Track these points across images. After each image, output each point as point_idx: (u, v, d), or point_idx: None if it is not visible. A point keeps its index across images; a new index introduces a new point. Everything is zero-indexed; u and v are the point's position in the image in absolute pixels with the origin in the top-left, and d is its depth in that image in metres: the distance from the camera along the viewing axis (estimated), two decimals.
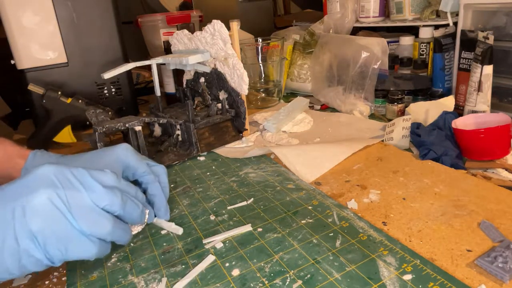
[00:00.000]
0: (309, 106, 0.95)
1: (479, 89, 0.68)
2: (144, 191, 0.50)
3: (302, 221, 0.48)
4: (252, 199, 0.55)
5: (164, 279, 0.41)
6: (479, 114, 0.67)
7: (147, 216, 0.45)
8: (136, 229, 0.45)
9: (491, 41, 0.67)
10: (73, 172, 0.37)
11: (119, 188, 0.40)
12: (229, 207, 0.54)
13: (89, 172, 0.38)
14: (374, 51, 0.85)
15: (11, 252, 0.33)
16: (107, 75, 0.70)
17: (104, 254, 0.39)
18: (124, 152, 0.49)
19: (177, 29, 0.85)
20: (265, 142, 0.77)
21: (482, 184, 0.53)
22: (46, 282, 0.43)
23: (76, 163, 0.50)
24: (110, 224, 0.37)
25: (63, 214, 0.35)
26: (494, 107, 0.72)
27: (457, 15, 0.80)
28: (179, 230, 0.49)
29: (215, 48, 0.74)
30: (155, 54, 1.07)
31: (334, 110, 0.92)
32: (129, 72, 0.94)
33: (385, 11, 1.05)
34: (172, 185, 0.62)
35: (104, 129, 0.66)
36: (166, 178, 0.52)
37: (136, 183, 0.51)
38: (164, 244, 0.47)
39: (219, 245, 0.45)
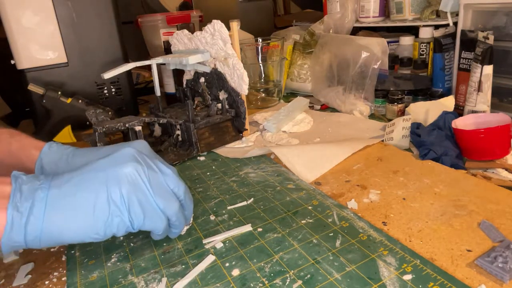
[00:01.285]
0: (309, 106, 0.95)
1: (479, 89, 0.68)
2: None
3: (302, 221, 0.48)
4: (252, 199, 0.55)
5: (164, 279, 0.41)
6: (479, 114, 0.66)
7: (191, 219, 0.50)
8: (184, 230, 0.49)
9: (491, 41, 0.67)
10: (149, 156, 0.43)
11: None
12: (229, 207, 0.54)
13: (159, 159, 0.45)
14: (374, 51, 0.85)
15: (102, 211, 0.38)
16: (107, 75, 0.70)
17: (162, 237, 0.44)
18: (140, 149, 0.49)
19: (177, 29, 0.85)
20: (265, 142, 0.77)
21: (482, 184, 0.53)
22: (46, 282, 0.43)
23: (92, 157, 0.49)
24: (177, 205, 0.43)
25: (145, 186, 0.40)
26: (494, 107, 0.72)
27: (457, 15, 0.80)
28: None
29: (215, 48, 0.74)
30: (155, 54, 1.07)
31: (334, 110, 0.92)
32: (129, 72, 0.94)
33: (385, 11, 1.05)
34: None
35: (104, 129, 0.66)
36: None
37: None
38: (164, 244, 0.47)
39: (219, 245, 0.45)
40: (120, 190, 0.38)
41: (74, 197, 0.38)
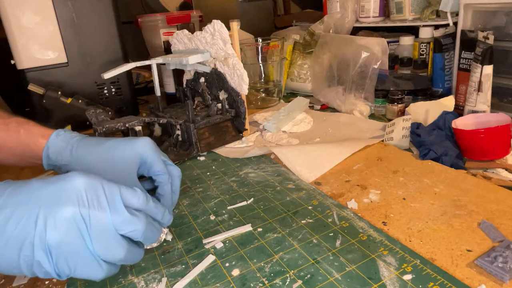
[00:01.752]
0: (309, 106, 0.95)
1: (479, 89, 0.68)
2: (154, 189, 0.50)
3: (302, 221, 0.48)
4: (252, 199, 0.55)
5: (164, 279, 0.41)
6: (479, 114, 0.66)
7: (163, 236, 0.44)
8: (150, 246, 0.44)
9: (491, 41, 0.67)
10: (105, 189, 0.37)
11: (146, 211, 0.39)
12: (229, 207, 0.54)
13: (120, 191, 0.37)
14: (374, 51, 0.85)
15: (26, 258, 0.34)
16: (107, 75, 0.70)
17: (111, 274, 0.38)
18: (144, 146, 0.49)
19: (177, 29, 0.85)
20: (265, 142, 0.77)
21: (482, 184, 0.53)
22: (46, 282, 0.42)
23: (98, 151, 0.49)
24: (124, 251, 0.37)
25: (81, 235, 0.35)
26: (494, 107, 0.72)
27: (457, 15, 0.80)
28: (168, 236, 0.48)
29: (215, 48, 0.74)
30: (155, 54, 1.07)
31: (334, 110, 0.92)
32: (129, 72, 0.94)
33: (385, 11, 1.05)
34: (179, 181, 0.61)
35: (104, 129, 0.66)
36: (179, 182, 0.51)
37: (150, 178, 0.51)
38: (164, 244, 0.47)
39: (219, 245, 0.45)
40: (47, 240, 0.34)
41: (2, 233, 0.33)
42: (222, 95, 0.77)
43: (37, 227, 0.34)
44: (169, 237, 0.48)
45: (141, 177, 0.50)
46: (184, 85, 0.88)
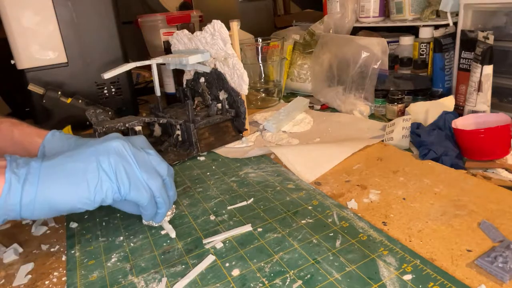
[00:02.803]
0: (309, 106, 0.95)
1: (479, 89, 0.68)
2: None
3: (302, 221, 0.48)
4: (252, 199, 0.55)
5: (164, 279, 0.41)
6: (479, 114, 0.66)
7: (174, 209, 0.53)
8: (168, 217, 0.51)
9: (491, 41, 0.67)
10: (131, 142, 0.47)
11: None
12: (229, 207, 0.54)
13: (142, 146, 0.48)
14: (374, 51, 0.85)
15: (92, 176, 0.41)
16: (107, 75, 0.70)
17: (150, 214, 0.46)
18: (139, 144, 0.51)
19: (177, 29, 0.85)
20: (265, 142, 0.77)
21: (482, 184, 0.53)
22: (46, 282, 0.43)
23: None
24: (161, 180, 0.46)
25: (131, 159, 0.44)
26: (494, 107, 0.72)
27: (457, 15, 0.80)
28: (172, 233, 0.49)
29: (215, 48, 0.74)
30: (155, 54, 1.06)
31: (334, 110, 0.92)
32: (129, 72, 0.94)
33: (385, 11, 1.05)
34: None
35: (104, 129, 0.66)
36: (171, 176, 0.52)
37: None
38: (164, 244, 0.47)
39: (219, 245, 0.45)
40: (109, 159, 0.42)
41: (65, 166, 0.41)
42: (222, 95, 0.77)
43: (98, 153, 0.42)
44: (173, 235, 0.49)
45: None
46: (184, 85, 0.88)
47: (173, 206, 0.52)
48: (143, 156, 0.46)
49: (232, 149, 0.74)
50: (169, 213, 0.51)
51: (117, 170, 0.42)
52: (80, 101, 0.84)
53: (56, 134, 0.54)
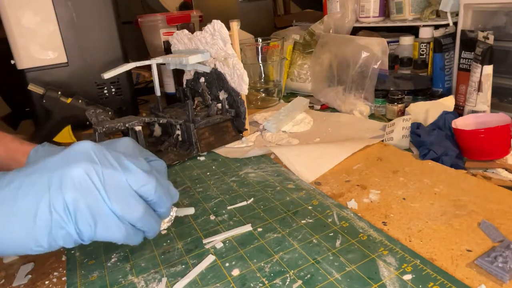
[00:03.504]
0: (309, 106, 0.95)
1: (479, 89, 0.68)
2: None
3: (302, 221, 0.48)
4: (252, 199, 0.55)
5: (164, 279, 0.41)
6: (479, 114, 0.66)
7: (174, 213, 0.45)
8: (164, 225, 0.45)
9: (491, 41, 0.67)
10: (111, 152, 0.37)
11: (153, 174, 0.39)
12: (229, 207, 0.54)
13: (124, 155, 0.38)
14: (374, 51, 0.85)
15: (44, 222, 0.33)
16: (107, 75, 0.70)
17: (133, 243, 0.38)
18: (126, 144, 0.46)
19: (177, 29, 0.85)
20: (265, 142, 0.77)
21: (482, 184, 0.53)
22: (46, 282, 0.43)
23: None
24: (142, 208, 0.37)
25: (98, 190, 0.35)
26: (494, 107, 0.72)
27: (457, 15, 0.80)
28: (191, 210, 0.48)
29: (215, 48, 0.74)
30: (155, 54, 1.07)
31: (334, 110, 0.92)
32: (129, 72, 0.94)
33: (385, 11, 1.05)
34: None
35: (104, 129, 0.66)
36: (165, 175, 0.49)
37: None
38: (164, 244, 0.47)
39: (219, 245, 0.45)
40: (64, 197, 0.33)
41: (14, 203, 0.33)
42: (222, 95, 0.77)
43: (51, 188, 0.34)
44: (192, 211, 0.48)
45: None
46: (184, 85, 0.88)
47: (173, 209, 0.45)
48: (118, 181, 0.36)
49: (232, 149, 0.74)
50: (166, 219, 0.45)
51: (76, 211, 0.34)
52: (80, 101, 0.84)
53: (39, 150, 0.49)
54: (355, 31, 1.09)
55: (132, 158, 0.38)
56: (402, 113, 0.80)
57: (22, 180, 0.34)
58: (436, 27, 0.88)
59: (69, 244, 0.35)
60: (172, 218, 0.45)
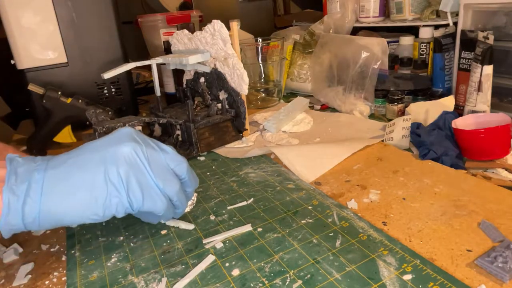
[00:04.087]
0: (309, 106, 0.95)
1: (479, 89, 0.68)
2: None
3: (302, 221, 0.48)
4: (252, 199, 0.55)
5: (164, 279, 0.41)
6: (479, 114, 0.67)
7: (195, 198, 0.52)
8: (188, 208, 0.50)
9: (491, 41, 0.67)
10: (148, 137, 0.43)
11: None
12: (229, 207, 0.54)
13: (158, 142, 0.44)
14: (374, 51, 0.85)
15: (100, 190, 0.37)
16: (107, 75, 0.70)
17: (168, 217, 0.45)
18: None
19: (177, 29, 0.85)
20: (265, 142, 0.77)
21: (482, 184, 0.53)
22: (46, 282, 0.43)
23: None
24: (178, 184, 0.43)
25: (144, 165, 0.40)
26: (494, 107, 0.72)
27: (457, 15, 0.80)
28: (190, 226, 0.49)
29: (215, 48, 0.74)
30: (155, 54, 1.07)
31: (334, 110, 0.92)
32: (129, 72, 0.94)
33: (385, 11, 1.05)
34: None
35: (104, 129, 0.66)
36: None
37: None
38: (164, 244, 0.47)
39: (219, 245, 0.45)
40: (118, 170, 0.38)
41: (71, 178, 0.37)
42: (222, 95, 0.77)
43: (106, 163, 0.38)
44: (191, 227, 0.49)
45: None
46: (184, 85, 0.88)
47: (194, 194, 0.51)
48: (159, 159, 0.41)
49: (232, 149, 0.74)
50: (189, 203, 0.51)
51: (128, 182, 0.38)
52: (80, 101, 0.84)
53: (13, 162, 0.43)
54: (355, 31, 1.09)
55: (164, 145, 0.44)
56: (402, 113, 0.80)
57: (78, 158, 0.39)
58: (436, 27, 0.88)
59: (120, 213, 0.39)
60: (194, 202, 0.51)
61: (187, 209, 0.49)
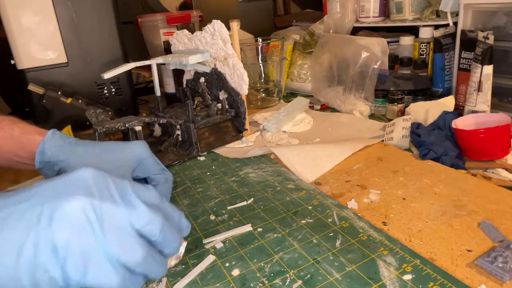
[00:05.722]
0: (309, 106, 0.95)
1: (479, 89, 0.68)
2: None
3: (302, 221, 0.48)
4: (252, 199, 0.55)
5: (164, 279, 0.41)
6: (479, 114, 0.67)
7: (183, 249, 0.38)
8: (172, 263, 0.39)
9: (491, 41, 0.67)
10: (114, 181, 0.33)
11: (161, 209, 0.34)
12: (229, 207, 0.54)
13: (131, 185, 0.33)
14: (374, 51, 0.85)
15: (27, 261, 0.28)
16: (107, 75, 0.70)
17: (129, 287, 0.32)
18: (142, 148, 0.49)
19: (177, 29, 0.85)
20: (265, 142, 0.77)
21: (482, 184, 0.53)
22: None
23: (95, 150, 0.49)
24: (144, 251, 0.32)
25: (93, 229, 0.30)
26: (494, 107, 0.72)
27: (457, 15, 0.80)
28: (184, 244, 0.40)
29: (215, 48, 0.74)
30: (155, 54, 1.07)
31: (334, 110, 0.92)
32: (129, 72, 0.94)
33: (385, 11, 1.05)
34: (172, 185, 0.62)
35: (104, 129, 0.66)
36: (171, 186, 0.51)
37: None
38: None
39: (219, 245, 0.45)
40: (53, 236, 0.28)
41: (1, 226, 0.29)
42: (222, 95, 0.77)
43: (40, 223, 0.29)
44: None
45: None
46: (184, 85, 0.88)
47: (183, 244, 0.38)
48: (119, 219, 0.31)
49: (232, 149, 0.74)
50: (173, 257, 0.38)
51: (67, 254, 0.29)
52: (80, 101, 0.84)
53: (56, 133, 0.52)
54: (355, 31, 1.09)
55: (141, 187, 0.34)
56: (402, 113, 0.80)
57: (11, 210, 0.30)
58: (436, 27, 0.88)
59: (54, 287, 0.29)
60: (181, 255, 0.38)
61: (171, 264, 0.38)
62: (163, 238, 0.33)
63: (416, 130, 0.67)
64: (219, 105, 0.77)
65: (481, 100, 0.68)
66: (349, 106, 0.87)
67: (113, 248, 0.30)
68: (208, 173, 0.65)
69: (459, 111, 0.75)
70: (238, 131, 0.78)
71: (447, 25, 0.86)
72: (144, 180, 0.51)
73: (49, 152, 0.49)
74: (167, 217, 0.34)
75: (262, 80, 1.03)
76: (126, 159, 0.48)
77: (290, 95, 1.09)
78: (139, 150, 0.49)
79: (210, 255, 0.44)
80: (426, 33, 0.92)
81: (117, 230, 0.31)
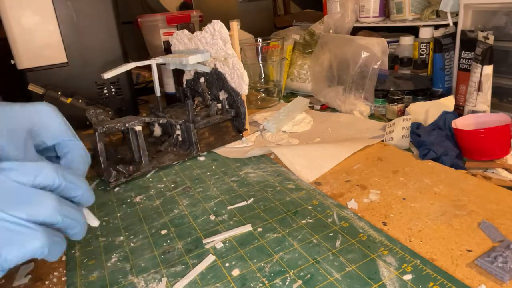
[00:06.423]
0: (309, 106, 0.95)
1: (479, 89, 0.68)
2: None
3: (302, 221, 0.48)
4: (252, 199, 0.55)
5: (164, 279, 0.41)
6: (479, 114, 0.67)
7: (92, 222, 0.35)
8: (95, 222, 0.36)
9: (491, 41, 0.67)
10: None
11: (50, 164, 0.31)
12: (229, 207, 0.54)
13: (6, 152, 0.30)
14: (374, 51, 0.85)
15: None
16: (107, 75, 0.70)
17: (60, 250, 0.29)
18: (43, 110, 0.42)
19: (177, 29, 0.85)
20: (265, 142, 0.77)
21: (482, 184, 0.53)
22: (46, 282, 0.43)
23: None
24: (52, 199, 0.29)
25: None
26: (494, 107, 0.72)
27: (457, 15, 0.80)
28: (95, 222, 0.37)
29: (215, 48, 0.74)
30: (155, 54, 1.07)
31: (334, 110, 0.92)
32: (129, 72, 0.94)
33: (385, 11, 1.05)
34: (172, 185, 0.62)
35: (104, 129, 0.66)
36: (85, 154, 0.42)
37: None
38: (164, 244, 0.47)
39: (219, 245, 0.45)
40: None
41: None
42: (222, 95, 0.77)
43: None
44: (96, 223, 0.37)
45: None
46: (184, 85, 0.88)
47: (92, 199, 0.35)
48: (8, 184, 0.28)
49: (232, 149, 0.74)
50: (94, 221, 0.36)
51: None
52: (80, 101, 0.84)
53: None
54: (355, 31, 1.09)
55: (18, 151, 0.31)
56: (402, 113, 0.80)
57: None
58: (436, 27, 0.88)
59: None
60: (84, 230, 0.33)
61: (95, 224, 0.36)
62: (64, 180, 0.31)
63: (416, 130, 0.67)
64: (219, 105, 0.77)
65: (481, 100, 0.68)
66: (349, 106, 0.87)
67: (15, 211, 0.27)
68: (208, 173, 0.65)
69: (459, 111, 0.75)
70: (238, 131, 0.78)
71: (447, 25, 0.86)
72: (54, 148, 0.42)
73: None
74: (65, 192, 0.32)
75: (262, 80, 1.03)
76: (22, 122, 0.39)
77: (290, 95, 1.09)
78: (39, 111, 0.41)
79: (210, 255, 0.44)
80: (426, 33, 0.92)
81: (9, 195, 0.28)
